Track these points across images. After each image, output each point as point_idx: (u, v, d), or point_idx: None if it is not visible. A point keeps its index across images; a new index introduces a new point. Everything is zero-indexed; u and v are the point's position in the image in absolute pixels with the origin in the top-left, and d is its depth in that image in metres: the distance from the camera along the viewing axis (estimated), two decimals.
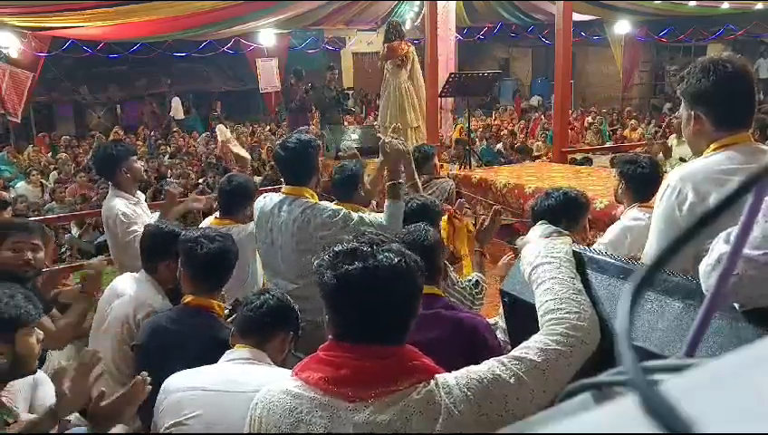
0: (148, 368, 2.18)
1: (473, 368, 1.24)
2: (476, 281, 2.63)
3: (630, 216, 2.67)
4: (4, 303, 1.79)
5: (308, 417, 1.20)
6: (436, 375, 1.22)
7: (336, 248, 1.27)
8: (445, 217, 3.18)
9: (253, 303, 1.96)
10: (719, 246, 1.17)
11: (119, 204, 3.29)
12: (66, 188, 8.62)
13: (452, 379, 1.21)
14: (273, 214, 2.70)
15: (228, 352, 1.90)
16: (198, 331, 2.17)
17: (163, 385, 1.85)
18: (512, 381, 1.20)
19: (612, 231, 2.69)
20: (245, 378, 1.76)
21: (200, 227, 3.31)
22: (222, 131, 4.77)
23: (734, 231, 1.12)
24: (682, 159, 5.78)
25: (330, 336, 1.28)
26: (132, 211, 3.31)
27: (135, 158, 3.51)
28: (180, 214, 3.65)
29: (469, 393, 1.18)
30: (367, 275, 1.21)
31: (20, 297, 1.85)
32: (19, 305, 1.82)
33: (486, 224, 2.82)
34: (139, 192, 3.53)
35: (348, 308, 1.25)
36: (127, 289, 2.59)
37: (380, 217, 2.61)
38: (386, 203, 2.64)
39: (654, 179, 2.65)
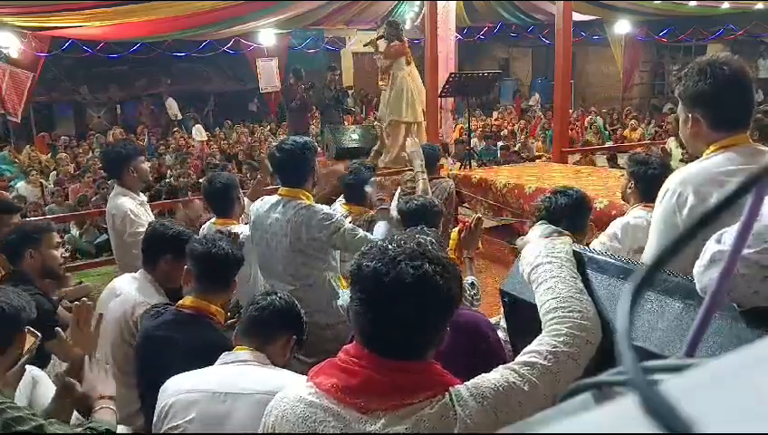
0: (147, 371, 2.18)
1: (484, 377, 1.22)
2: (472, 282, 2.75)
3: (633, 214, 2.72)
4: (27, 301, 1.82)
5: (321, 427, 1.19)
6: (450, 388, 1.19)
7: (381, 245, 1.21)
8: (457, 229, 3.28)
9: (259, 303, 1.94)
10: (711, 247, 1.17)
11: (127, 202, 3.31)
12: (65, 189, 8.61)
13: (465, 390, 1.18)
14: (269, 215, 2.73)
15: (226, 353, 1.88)
16: (191, 337, 2.11)
17: (162, 387, 1.85)
18: (526, 388, 1.18)
19: (614, 227, 2.73)
20: (245, 380, 1.76)
21: (202, 229, 3.33)
22: (200, 131, 4.87)
23: (726, 232, 1.12)
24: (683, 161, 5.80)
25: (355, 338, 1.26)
26: (138, 210, 3.33)
27: (143, 158, 3.57)
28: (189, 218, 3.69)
29: (485, 403, 1.16)
30: (393, 283, 1.15)
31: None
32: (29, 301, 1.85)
33: (471, 230, 2.90)
34: (141, 193, 3.55)
35: (371, 315, 1.20)
36: (124, 288, 2.59)
37: (372, 235, 2.66)
38: (378, 223, 2.80)
39: (663, 181, 2.68)
